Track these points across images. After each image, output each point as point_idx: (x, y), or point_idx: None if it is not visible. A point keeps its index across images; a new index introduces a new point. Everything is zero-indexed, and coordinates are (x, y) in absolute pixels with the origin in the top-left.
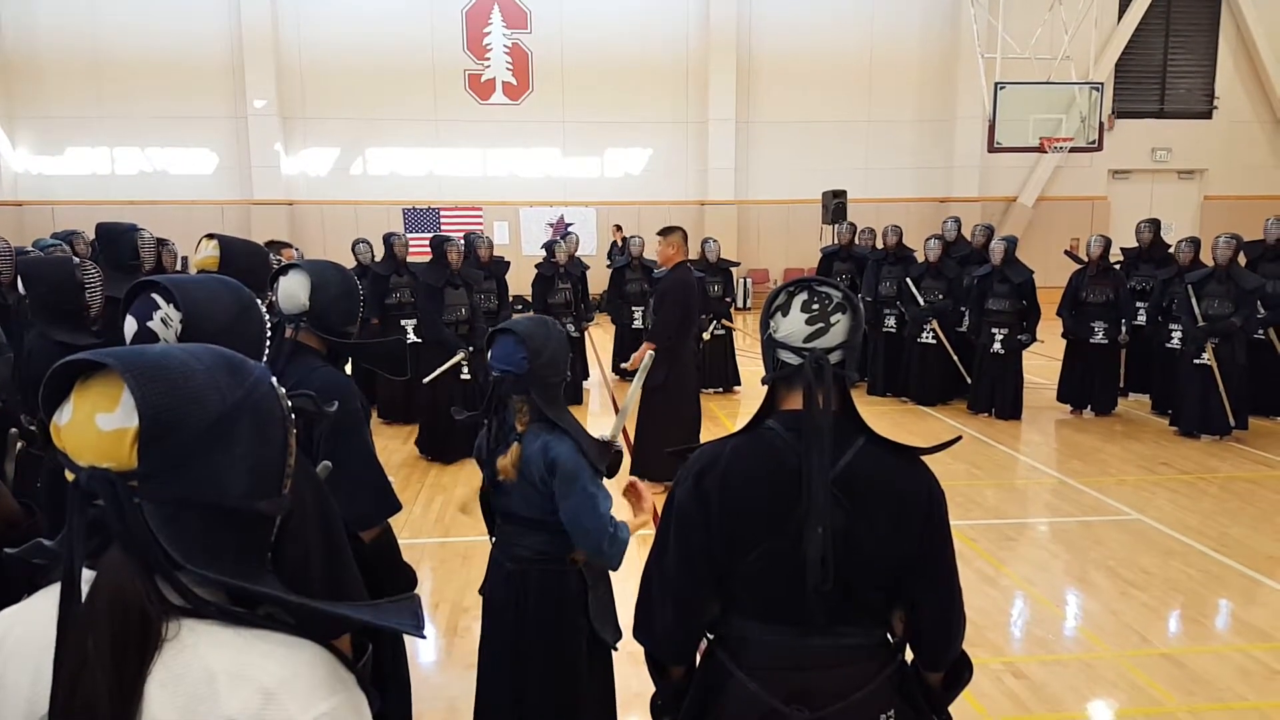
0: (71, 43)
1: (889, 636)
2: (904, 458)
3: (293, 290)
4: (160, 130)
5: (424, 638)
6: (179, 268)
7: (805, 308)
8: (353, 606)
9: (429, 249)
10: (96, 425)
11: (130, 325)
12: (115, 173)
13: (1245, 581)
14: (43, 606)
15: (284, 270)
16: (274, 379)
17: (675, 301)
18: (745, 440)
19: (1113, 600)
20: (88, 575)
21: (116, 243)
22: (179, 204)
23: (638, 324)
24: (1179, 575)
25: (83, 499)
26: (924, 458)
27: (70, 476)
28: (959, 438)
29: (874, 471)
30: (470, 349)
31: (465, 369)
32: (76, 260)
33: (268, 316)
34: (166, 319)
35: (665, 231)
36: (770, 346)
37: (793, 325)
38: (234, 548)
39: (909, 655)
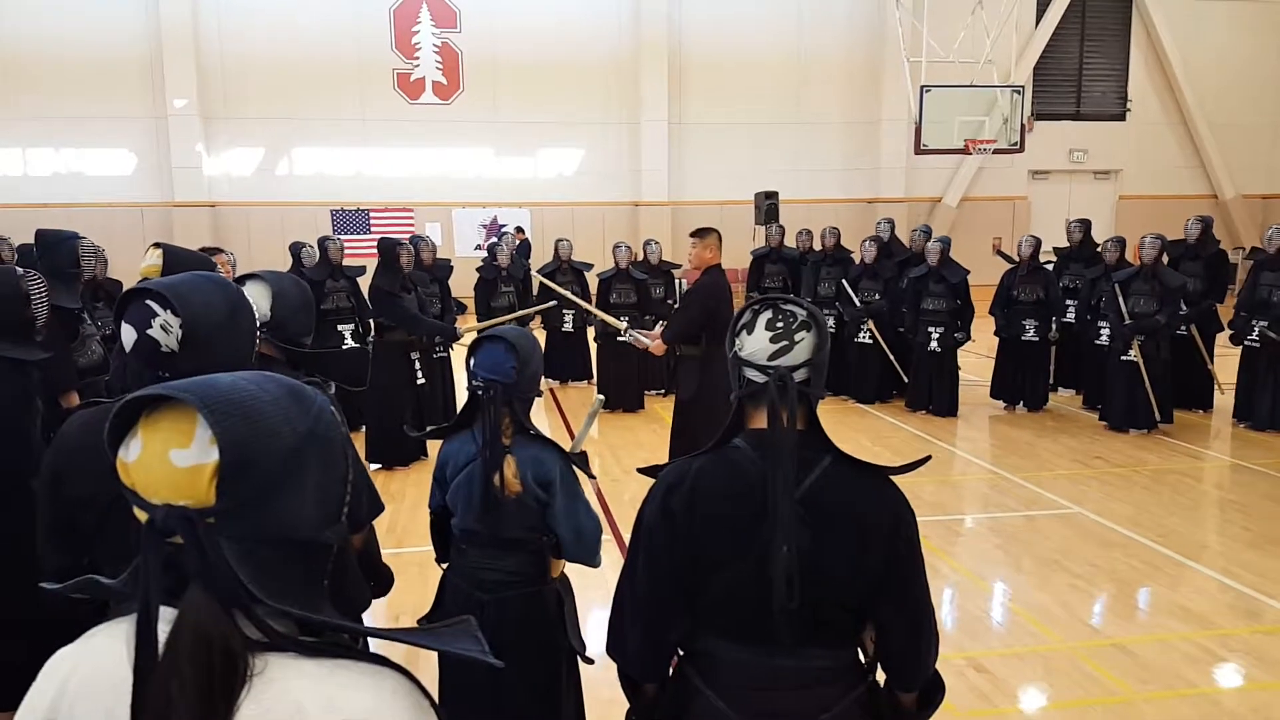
0: None
1: (860, 657)
2: (871, 477)
3: (254, 300)
4: (75, 131)
5: (498, 664)
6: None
7: (770, 325)
8: (411, 632)
9: (376, 252)
10: (171, 461)
11: (129, 334)
12: (28, 174)
13: (1182, 570)
14: (106, 646)
15: (243, 280)
16: (332, 406)
17: (701, 304)
18: (712, 458)
19: (1062, 592)
20: (165, 614)
21: (56, 250)
22: (96, 207)
23: (568, 327)
24: (1121, 566)
25: (157, 537)
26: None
27: (141, 515)
28: (929, 457)
29: (839, 491)
30: (441, 343)
31: (420, 374)
32: (20, 271)
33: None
34: (166, 325)
35: (700, 233)
36: (736, 364)
37: (757, 343)
38: (301, 579)
39: (881, 676)
